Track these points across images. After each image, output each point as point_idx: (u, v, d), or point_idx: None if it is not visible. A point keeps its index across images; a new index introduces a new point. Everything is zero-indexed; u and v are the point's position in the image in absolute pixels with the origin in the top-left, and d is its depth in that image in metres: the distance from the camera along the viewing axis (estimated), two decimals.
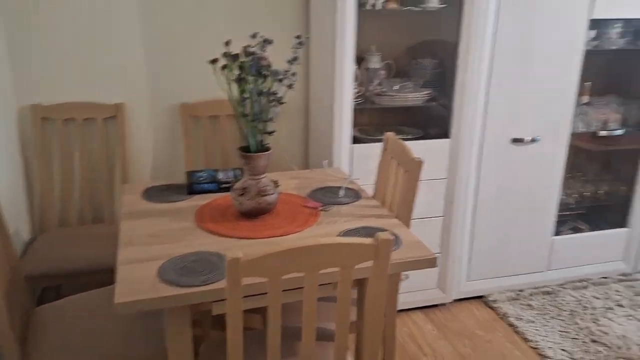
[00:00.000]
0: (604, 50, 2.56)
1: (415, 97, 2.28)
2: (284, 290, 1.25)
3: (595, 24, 2.45)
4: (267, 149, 1.64)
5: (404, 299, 2.48)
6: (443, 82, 2.35)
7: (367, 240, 1.15)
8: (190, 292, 1.26)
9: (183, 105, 2.37)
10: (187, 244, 1.50)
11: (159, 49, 2.31)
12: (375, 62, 2.32)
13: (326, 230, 1.60)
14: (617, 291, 2.68)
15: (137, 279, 1.31)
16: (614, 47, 2.52)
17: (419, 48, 2.48)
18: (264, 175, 1.66)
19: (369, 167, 2.24)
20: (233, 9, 2.34)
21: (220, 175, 1.93)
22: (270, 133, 1.64)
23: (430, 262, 1.49)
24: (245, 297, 1.24)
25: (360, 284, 1.55)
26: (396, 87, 2.30)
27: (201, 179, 1.90)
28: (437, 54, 2.40)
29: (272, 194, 1.65)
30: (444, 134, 2.35)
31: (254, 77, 1.56)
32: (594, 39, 2.49)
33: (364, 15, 2.30)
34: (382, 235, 1.17)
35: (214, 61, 1.58)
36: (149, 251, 1.46)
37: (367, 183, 2.23)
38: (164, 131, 2.43)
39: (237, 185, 1.66)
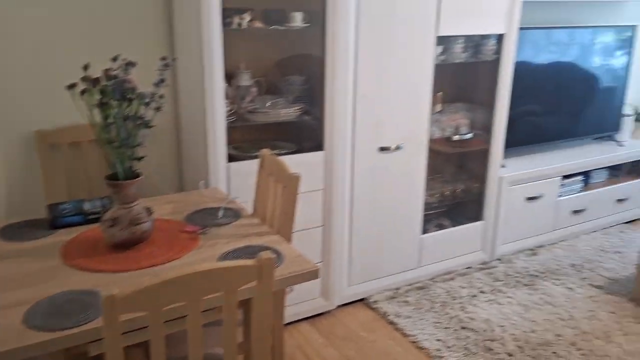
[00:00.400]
0: (450, 63, 2.84)
1: (287, 112, 2.34)
2: (166, 321, 1.21)
3: (442, 40, 2.71)
4: (138, 175, 1.58)
5: (290, 312, 2.51)
6: (313, 96, 2.43)
7: (249, 262, 1.16)
8: (63, 336, 1.17)
9: (39, 133, 2.18)
10: (56, 284, 1.39)
11: (7, 73, 2.11)
12: (245, 80, 2.34)
13: (207, 254, 1.58)
14: (479, 279, 2.96)
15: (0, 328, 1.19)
16: (458, 61, 2.81)
17: (289, 65, 2.54)
18: (135, 203, 1.59)
19: (247, 184, 2.25)
20: (92, 30, 2.21)
21: (87, 206, 1.81)
22: (139, 159, 1.58)
23: (313, 274, 1.53)
24: (124, 333, 1.18)
25: (245, 304, 1.55)
26: (268, 104, 2.34)
27: (65, 211, 1.77)
28: (306, 70, 2.48)
29: (146, 221, 1.59)
30: (319, 147, 2.44)
31: (118, 101, 1.50)
32: (442, 53, 2.74)
33: (231, 34, 2.31)
34: (264, 255, 1.19)
35: (71, 86, 1.48)
36: (11, 297, 1.33)
37: (246, 200, 2.24)
38: (17, 161, 2.22)
39: (107, 215, 1.57)
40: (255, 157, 2.26)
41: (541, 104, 3.38)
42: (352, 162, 2.52)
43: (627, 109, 4.00)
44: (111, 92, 1.48)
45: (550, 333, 2.47)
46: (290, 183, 1.75)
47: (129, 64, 1.52)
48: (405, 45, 2.49)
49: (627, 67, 3.66)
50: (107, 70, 1.49)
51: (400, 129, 2.62)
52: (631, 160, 3.66)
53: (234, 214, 1.88)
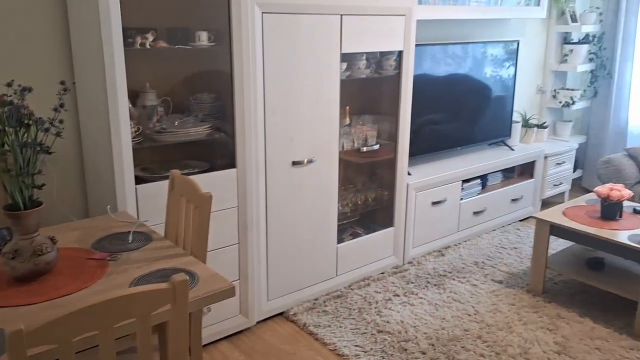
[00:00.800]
0: (356, 78, 2.96)
1: (197, 131, 2.33)
2: (78, 352, 1.18)
3: (346, 57, 2.83)
4: (39, 204, 1.51)
5: (209, 331, 2.49)
6: (224, 114, 2.44)
7: (162, 285, 1.16)
8: None
9: None
10: None
11: None
12: (151, 100, 2.30)
13: (118, 281, 1.54)
14: (393, 283, 3.10)
15: None
16: (362, 76, 2.94)
17: (197, 83, 2.54)
18: (37, 233, 1.52)
19: (157, 206, 2.21)
20: None
21: None
22: (40, 187, 1.51)
23: (229, 293, 1.55)
24: None
25: (160, 328, 1.53)
26: (177, 123, 2.32)
27: None
28: (215, 88, 2.49)
29: (50, 251, 1.52)
30: (231, 164, 2.45)
31: (15, 128, 1.43)
32: (346, 69, 2.86)
33: (135, 54, 2.27)
34: (177, 277, 1.19)
35: None
36: None
37: (157, 223, 2.20)
38: None
39: (7, 248, 1.49)
40: (165, 177, 2.23)
41: (441, 114, 3.61)
42: (265, 177, 2.55)
43: (516, 116, 4.37)
44: (7, 118, 1.42)
45: (459, 329, 2.63)
46: (202, 203, 1.75)
47: (25, 89, 1.46)
48: (311, 62, 2.58)
49: (513, 78, 4.01)
50: (1, 96, 1.43)
51: (312, 143, 2.70)
52: (521, 163, 4.00)
53: (145, 237, 1.84)
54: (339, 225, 3.09)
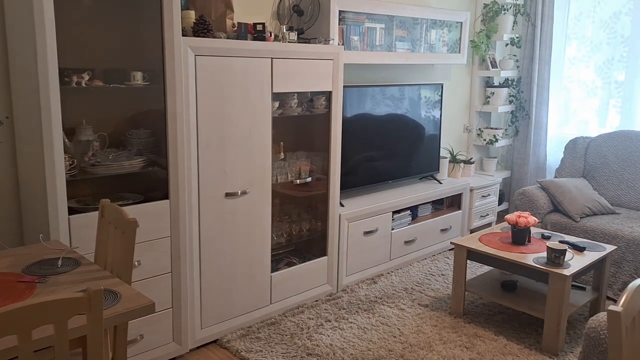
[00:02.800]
0: (288, 116, 3.19)
1: (131, 164, 2.47)
2: None
3: (278, 96, 3.05)
4: None
5: (142, 359, 2.55)
6: (158, 148, 2.60)
7: (78, 294, 1.29)
8: None
9: None
10: None
11: None
12: (88, 135, 2.43)
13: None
14: (326, 309, 3.25)
15: None
16: (294, 114, 3.17)
17: (133, 119, 2.69)
18: None
19: (90, 236, 2.31)
20: None
21: None
22: None
23: (149, 309, 1.67)
24: None
25: (83, 343, 1.63)
26: (111, 157, 2.45)
27: None
28: (150, 123, 2.64)
29: None
30: (165, 196, 2.58)
31: None
32: (279, 107, 3.08)
33: (71, 92, 2.41)
34: (92, 287, 1.32)
35: None
36: None
37: (89, 252, 2.30)
38: None
39: None
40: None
41: (374, 150, 3.87)
42: (198, 208, 2.70)
43: (444, 152, 4.70)
44: None
45: (384, 349, 2.80)
46: (128, 228, 1.88)
47: None
48: (244, 100, 2.78)
49: (439, 118, 4.34)
50: None
51: (245, 175, 2.87)
52: (449, 195, 4.29)
53: (74, 262, 1.94)
54: (274, 255, 3.25)
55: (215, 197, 2.76)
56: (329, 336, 2.92)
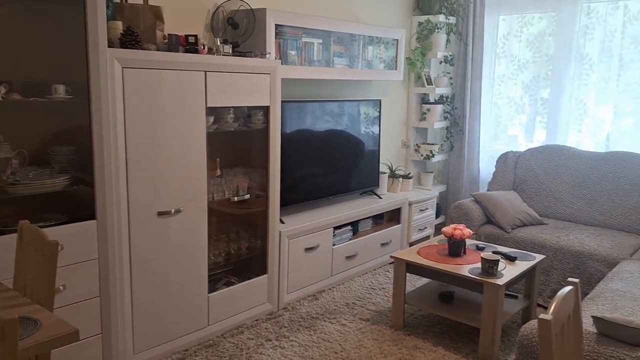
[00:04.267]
0: (226, 131, 3.12)
1: (53, 182, 2.32)
2: None
3: (213, 110, 2.99)
4: None
5: None
6: (84, 165, 2.46)
7: None
8: None
9: None
10: None
11: None
12: (5, 152, 2.27)
13: None
14: (267, 328, 3.17)
15: None
16: (230, 129, 3.11)
17: (56, 135, 2.54)
18: None
19: (8, 261, 2.15)
20: None
21: None
22: None
23: (73, 337, 1.55)
24: None
25: None
26: (32, 175, 2.30)
27: None
28: (74, 140, 2.51)
29: None
30: (92, 215, 2.45)
31: None
32: (214, 122, 3.02)
33: None
34: (5, 316, 1.21)
35: None
36: None
37: (7, 277, 2.13)
38: None
39: None
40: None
41: (314, 166, 3.86)
42: (128, 228, 2.57)
43: (383, 168, 4.76)
44: None
45: None
46: (49, 251, 1.76)
47: None
48: (176, 115, 2.70)
49: (378, 133, 4.40)
50: None
51: (179, 193, 2.78)
52: (388, 210, 4.34)
53: None
54: (212, 275, 3.15)
55: (146, 216, 2.65)
56: (269, 356, 2.85)
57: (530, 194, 4.25)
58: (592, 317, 2.13)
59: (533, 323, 2.27)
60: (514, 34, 4.78)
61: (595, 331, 2.14)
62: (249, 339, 3.04)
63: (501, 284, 2.79)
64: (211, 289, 3.07)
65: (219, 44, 2.93)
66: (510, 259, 3.16)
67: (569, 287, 1.68)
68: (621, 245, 3.44)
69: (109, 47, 2.38)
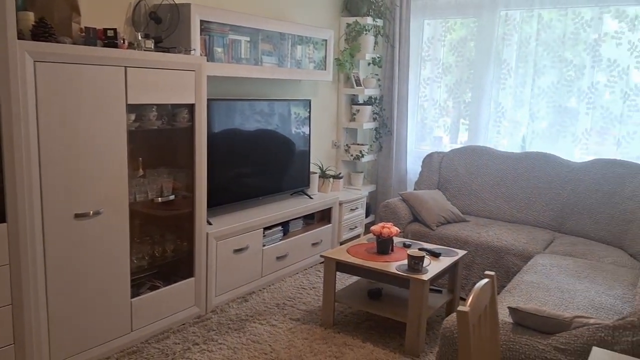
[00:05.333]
0: (150, 129, 3.01)
1: None
2: None
3: (134, 108, 2.87)
4: None
5: None
6: None
7: None
8: None
9: None
10: None
11: None
12: None
13: None
14: (194, 332, 3.09)
15: None
16: (154, 127, 3.00)
17: None
18: None
19: None
20: None
21: None
22: None
23: None
24: None
25: None
26: None
27: None
28: None
29: None
30: (2, 219, 2.28)
31: None
32: (136, 120, 2.90)
33: None
34: None
35: None
36: None
37: None
38: None
39: None
40: None
41: (243, 166, 3.81)
42: (42, 231, 2.42)
43: (314, 168, 4.78)
44: None
45: None
46: None
47: None
48: (95, 112, 2.57)
49: (309, 133, 4.42)
50: None
51: (98, 194, 2.65)
52: (319, 210, 4.36)
53: None
54: (135, 279, 3.03)
55: (62, 218, 2.50)
56: None
57: (454, 193, 4.41)
58: (508, 307, 2.23)
59: (454, 316, 2.36)
60: (438, 38, 4.96)
61: (512, 321, 2.25)
62: (175, 343, 2.95)
63: (426, 279, 2.88)
64: (134, 294, 2.95)
65: (140, 38, 2.82)
66: (435, 255, 3.26)
67: (485, 280, 1.75)
68: (535, 240, 3.65)
69: (18, 39, 2.23)
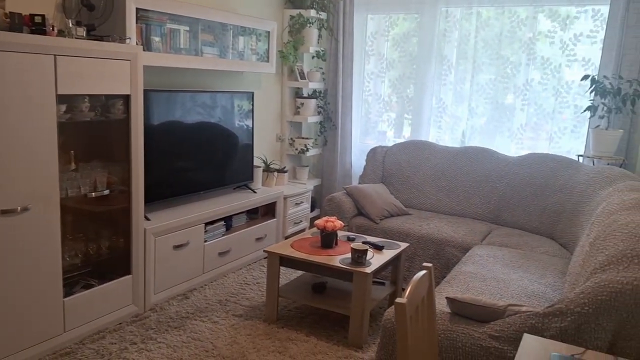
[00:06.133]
0: (80, 121, 2.87)
1: None
2: None
3: (65, 98, 2.73)
4: None
5: None
6: None
7: None
8: None
9: None
10: None
11: None
12: None
13: None
14: (131, 332, 2.98)
15: None
16: (86, 119, 2.86)
17: None
18: None
19: None
20: None
21: None
22: None
23: None
24: None
25: None
26: None
27: None
28: None
29: None
30: None
31: None
32: (67, 111, 2.76)
33: None
34: None
35: None
36: None
37: None
38: None
39: None
40: None
41: (184, 160, 3.70)
42: None
43: (258, 162, 4.72)
44: None
45: None
46: None
47: None
48: (21, 102, 2.42)
49: (252, 126, 4.35)
50: None
51: (26, 190, 2.50)
52: (263, 204, 4.32)
53: None
54: (68, 278, 2.89)
55: None
56: None
57: (397, 186, 4.48)
58: (446, 298, 2.28)
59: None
60: (381, 33, 5.00)
61: (449, 311, 2.30)
62: (111, 343, 2.84)
63: (369, 272, 2.90)
64: (67, 293, 2.82)
65: (71, 25, 2.68)
66: (378, 248, 3.29)
67: (422, 272, 1.77)
68: (473, 232, 3.76)
69: None
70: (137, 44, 3.16)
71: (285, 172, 4.81)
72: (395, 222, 3.93)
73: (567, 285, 2.56)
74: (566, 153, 4.26)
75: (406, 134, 5.02)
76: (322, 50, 5.07)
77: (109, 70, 2.84)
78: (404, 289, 3.70)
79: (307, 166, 5.19)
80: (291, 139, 5.11)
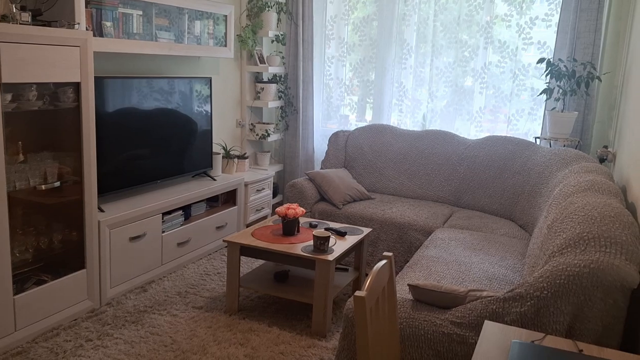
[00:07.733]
0: (27, 111, 2.71)
1: None
2: None
3: (10, 87, 2.57)
4: None
5: None
6: None
7: None
8: None
9: None
10: None
11: None
12: None
13: None
14: (87, 328, 2.88)
15: None
16: (34, 108, 2.71)
17: None
18: None
19: None
20: None
21: None
22: None
23: None
24: None
25: None
26: None
27: None
28: None
29: None
30: None
31: None
32: (13, 101, 2.60)
33: None
34: None
35: None
36: None
37: None
38: None
39: None
40: None
41: (139, 149, 3.57)
42: None
43: (217, 148, 4.62)
44: None
45: None
46: None
47: None
48: None
49: (210, 112, 4.24)
50: None
51: None
52: (223, 192, 4.23)
53: None
54: (18, 274, 2.76)
55: None
56: (89, 357, 2.59)
57: (359, 171, 4.47)
58: (408, 285, 2.28)
59: None
60: (341, 17, 4.93)
61: (411, 298, 2.30)
62: (65, 341, 2.73)
63: (331, 259, 2.88)
64: (18, 290, 2.69)
65: (15, 10, 2.52)
66: (341, 234, 3.27)
67: (382, 262, 1.75)
68: (435, 215, 3.79)
69: None
70: (86, 29, 3.00)
71: (246, 158, 4.73)
72: (358, 207, 3.92)
73: (526, 267, 2.60)
74: (524, 135, 4.33)
75: (369, 118, 5.00)
76: (282, 35, 4.97)
77: (57, 58, 2.69)
78: (367, 275, 3.70)
79: (268, 152, 5.11)
80: (252, 124, 5.02)
